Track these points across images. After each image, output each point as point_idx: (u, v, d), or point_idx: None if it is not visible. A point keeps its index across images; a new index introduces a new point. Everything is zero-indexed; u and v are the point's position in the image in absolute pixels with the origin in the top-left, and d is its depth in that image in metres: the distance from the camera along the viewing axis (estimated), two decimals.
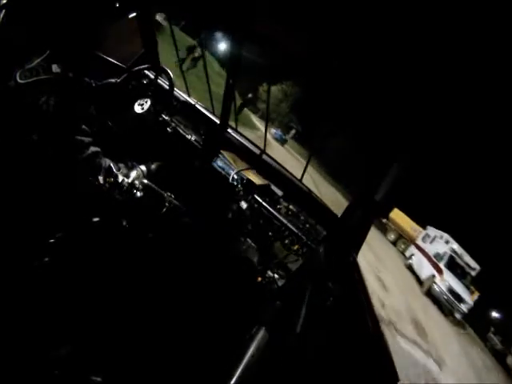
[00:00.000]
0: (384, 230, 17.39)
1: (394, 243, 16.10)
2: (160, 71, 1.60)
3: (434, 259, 11.30)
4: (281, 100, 37.03)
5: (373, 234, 13.53)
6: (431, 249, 12.11)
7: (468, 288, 10.77)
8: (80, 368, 0.89)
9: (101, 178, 0.95)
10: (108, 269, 1.15)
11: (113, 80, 1.39)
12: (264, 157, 1.57)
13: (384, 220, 17.43)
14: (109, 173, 1.00)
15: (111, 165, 1.00)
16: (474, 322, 12.01)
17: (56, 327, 0.90)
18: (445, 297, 9.84)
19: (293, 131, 37.25)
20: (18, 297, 0.83)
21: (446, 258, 11.11)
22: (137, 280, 1.22)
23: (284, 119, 36.95)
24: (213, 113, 1.71)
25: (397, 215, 16.59)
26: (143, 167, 1.29)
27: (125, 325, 1.07)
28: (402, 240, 15.70)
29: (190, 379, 1.05)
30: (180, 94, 1.70)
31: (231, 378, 0.67)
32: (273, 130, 26.78)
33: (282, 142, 26.86)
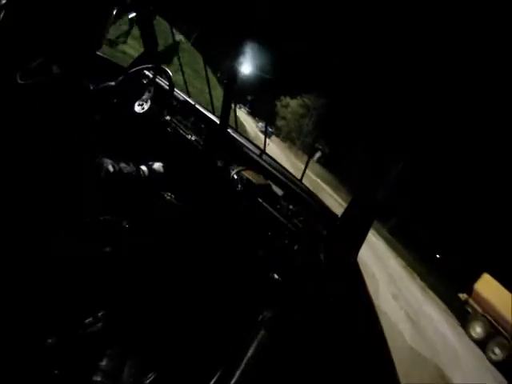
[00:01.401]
0: (461, 312, 8.98)
1: (483, 343, 7.60)
2: (160, 71, 1.60)
3: None
4: (302, 115, 30.75)
5: (439, 319, 7.75)
6: None
7: None
8: (79, 367, 0.89)
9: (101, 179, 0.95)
10: (108, 269, 1.15)
11: (111, 83, 1.38)
12: (264, 157, 1.57)
13: (463, 295, 9.05)
14: (109, 173, 1.00)
15: (111, 165, 1.00)
16: None
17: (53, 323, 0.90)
18: None
19: (318, 154, 29.85)
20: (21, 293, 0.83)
21: None
22: (136, 280, 1.22)
23: (307, 139, 29.81)
24: (213, 113, 1.71)
25: (489, 289, 8.29)
26: (144, 167, 1.29)
27: (119, 329, 1.07)
28: (499, 341, 7.28)
29: (190, 380, 1.04)
30: (180, 94, 1.71)
31: (231, 379, 0.67)
32: (260, 124, 26.18)
33: (269, 134, 26.76)
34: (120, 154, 1.25)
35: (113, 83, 1.38)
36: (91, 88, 1.15)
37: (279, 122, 33.06)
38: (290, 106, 31.43)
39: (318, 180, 17.90)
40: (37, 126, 0.71)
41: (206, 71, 1.65)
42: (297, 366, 0.81)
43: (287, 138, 31.13)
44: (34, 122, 0.71)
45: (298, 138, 30.83)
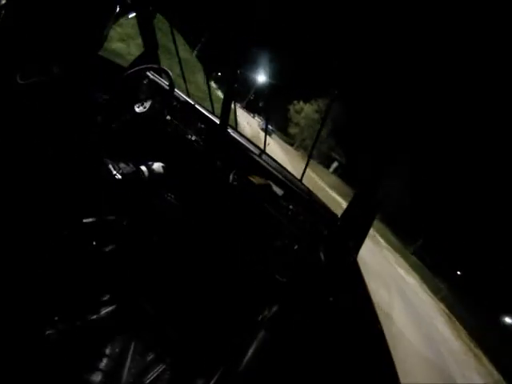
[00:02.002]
0: None
1: None
2: (160, 71, 1.60)
3: None
4: (317, 121, 27.63)
5: None
6: None
7: None
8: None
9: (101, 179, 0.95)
10: (108, 268, 1.15)
11: (105, 97, 1.37)
12: (264, 157, 1.57)
13: None
14: (109, 173, 1.00)
15: (111, 165, 1.00)
16: None
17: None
18: None
19: (335, 164, 27.51)
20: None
21: None
22: (137, 280, 1.22)
23: (322, 147, 26.75)
24: (212, 113, 1.71)
25: None
26: (143, 167, 1.29)
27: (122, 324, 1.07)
28: None
29: (191, 380, 1.04)
30: (180, 94, 1.71)
31: (232, 378, 0.67)
32: (262, 123, 26.00)
33: (269, 132, 25.92)
34: (120, 154, 1.25)
35: (104, 98, 1.37)
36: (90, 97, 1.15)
37: (292, 130, 29.24)
38: (304, 111, 28.42)
39: (334, 194, 15.25)
40: (37, 126, 0.71)
41: (207, 76, 1.65)
42: (297, 365, 0.81)
43: (301, 147, 28.43)
44: (34, 121, 0.71)
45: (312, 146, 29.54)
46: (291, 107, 29.72)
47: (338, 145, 27.32)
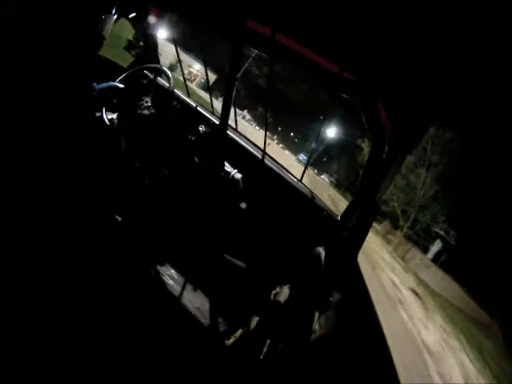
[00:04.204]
0: None
1: None
2: (160, 71, 1.60)
3: None
4: (413, 170, 15.04)
5: None
6: None
7: None
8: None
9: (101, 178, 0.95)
10: (109, 271, 1.15)
11: (115, 83, 1.37)
12: (264, 157, 1.56)
13: None
14: (109, 174, 1.00)
15: (111, 165, 1.00)
16: None
17: None
18: None
19: (436, 245, 14.62)
20: None
21: None
22: (139, 281, 1.22)
23: (421, 214, 14.57)
24: (212, 113, 1.71)
25: None
26: (143, 168, 1.29)
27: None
28: None
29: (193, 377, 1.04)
30: (180, 94, 1.70)
31: (233, 378, 0.67)
32: (300, 156, 24.64)
33: (304, 163, 25.65)
34: (120, 155, 1.25)
35: (115, 83, 1.37)
36: (95, 87, 1.14)
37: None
38: None
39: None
40: (37, 126, 0.71)
41: (206, 74, 1.65)
42: (297, 365, 0.81)
43: (386, 216, 15.67)
44: (35, 122, 0.71)
45: (403, 215, 14.88)
46: (364, 145, 16.34)
47: (445, 212, 14.15)
